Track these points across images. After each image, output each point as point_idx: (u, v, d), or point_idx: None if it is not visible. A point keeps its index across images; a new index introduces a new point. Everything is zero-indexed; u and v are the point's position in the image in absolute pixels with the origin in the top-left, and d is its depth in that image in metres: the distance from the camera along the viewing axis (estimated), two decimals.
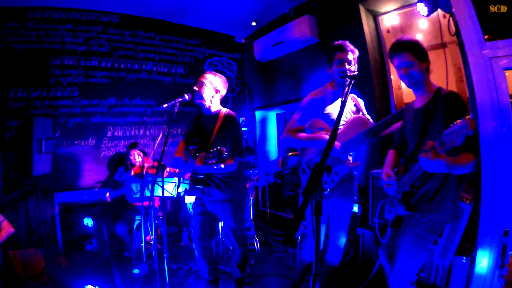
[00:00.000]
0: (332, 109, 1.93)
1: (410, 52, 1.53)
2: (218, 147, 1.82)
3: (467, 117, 1.12)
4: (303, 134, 1.97)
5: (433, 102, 1.51)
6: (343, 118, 1.92)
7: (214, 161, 1.83)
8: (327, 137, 1.84)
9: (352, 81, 1.40)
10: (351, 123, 1.90)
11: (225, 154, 1.82)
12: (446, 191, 1.51)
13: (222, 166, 1.88)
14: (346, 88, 1.91)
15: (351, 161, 1.95)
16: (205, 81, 2.16)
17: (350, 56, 1.88)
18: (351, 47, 1.91)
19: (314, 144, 1.92)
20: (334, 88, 1.97)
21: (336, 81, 1.93)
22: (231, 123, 2.13)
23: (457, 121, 1.14)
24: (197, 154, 2.02)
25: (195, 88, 2.16)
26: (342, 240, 2.06)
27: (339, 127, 1.88)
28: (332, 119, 1.92)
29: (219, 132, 2.12)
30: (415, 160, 1.54)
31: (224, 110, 2.21)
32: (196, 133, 2.24)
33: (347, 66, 1.85)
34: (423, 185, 1.51)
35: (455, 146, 1.15)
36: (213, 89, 2.17)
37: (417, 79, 1.55)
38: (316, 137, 1.90)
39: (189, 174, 2.26)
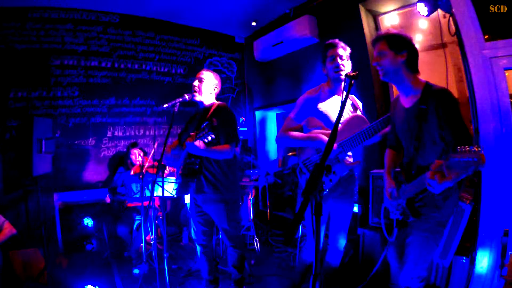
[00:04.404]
0: (327, 107, 1.93)
1: (384, 41, 1.51)
2: (210, 119, 1.84)
3: (476, 148, 1.05)
4: (299, 133, 1.97)
5: (424, 101, 1.46)
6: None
7: (205, 131, 1.83)
8: (323, 136, 1.85)
9: (353, 81, 1.39)
10: (349, 122, 1.89)
11: (215, 123, 1.83)
12: (450, 189, 1.51)
13: (213, 136, 1.85)
14: (342, 86, 1.95)
15: (350, 161, 1.94)
16: (204, 77, 2.23)
17: (341, 52, 1.89)
18: (342, 44, 1.92)
19: (310, 143, 1.91)
20: (330, 86, 1.98)
21: (332, 78, 1.94)
22: (222, 111, 2.14)
23: (466, 148, 1.07)
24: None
25: (195, 83, 2.22)
26: (342, 242, 2.04)
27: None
28: (327, 117, 1.92)
29: (210, 118, 2.12)
30: (417, 166, 1.53)
31: (217, 102, 2.26)
32: (191, 126, 2.29)
33: (339, 61, 1.87)
34: (429, 194, 1.50)
35: (463, 174, 1.10)
36: (211, 85, 2.25)
37: (387, 70, 1.51)
38: (312, 136, 1.89)
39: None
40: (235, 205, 2.25)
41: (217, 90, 2.30)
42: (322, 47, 1.97)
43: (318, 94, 1.96)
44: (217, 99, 2.34)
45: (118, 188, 3.53)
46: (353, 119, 1.90)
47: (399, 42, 1.49)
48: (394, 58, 1.49)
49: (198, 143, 1.91)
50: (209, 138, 1.85)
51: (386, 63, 1.50)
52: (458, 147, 1.09)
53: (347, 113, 1.99)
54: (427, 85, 1.50)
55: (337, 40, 1.92)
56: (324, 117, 1.93)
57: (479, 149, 1.04)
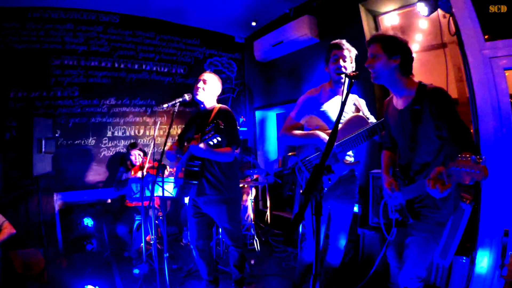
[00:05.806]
0: (327, 106, 1.94)
1: (378, 44, 1.47)
2: (215, 121, 1.82)
3: (478, 160, 1.00)
4: (298, 131, 1.98)
5: (418, 101, 1.44)
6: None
7: (211, 133, 1.82)
8: (321, 134, 1.86)
9: (353, 80, 1.38)
10: (349, 122, 1.89)
11: (222, 126, 1.80)
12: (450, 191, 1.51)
13: (219, 139, 1.84)
14: (342, 86, 1.93)
15: (350, 160, 1.94)
16: (207, 79, 2.24)
17: (346, 53, 1.89)
18: (347, 45, 1.92)
19: (308, 141, 1.93)
20: (331, 86, 1.98)
21: (333, 78, 1.94)
22: (225, 115, 2.15)
23: (467, 157, 1.02)
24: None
25: (199, 85, 2.22)
26: (342, 242, 2.05)
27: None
28: (328, 117, 1.93)
29: (215, 120, 2.12)
30: (414, 166, 1.52)
31: (218, 105, 2.27)
32: (191, 128, 2.29)
33: (341, 63, 1.87)
34: (428, 195, 1.49)
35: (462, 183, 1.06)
36: (214, 88, 2.26)
37: (379, 73, 1.48)
38: (310, 134, 1.91)
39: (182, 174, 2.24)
40: (237, 205, 2.26)
41: (218, 93, 2.31)
42: (327, 46, 1.97)
43: (319, 93, 1.97)
44: (217, 99, 2.35)
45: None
46: (353, 119, 1.90)
47: (393, 46, 1.46)
48: (387, 62, 1.46)
49: (203, 145, 1.90)
50: (215, 140, 1.84)
51: (379, 66, 1.48)
52: (459, 155, 1.05)
53: (349, 113, 1.99)
54: (421, 85, 1.47)
55: (343, 41, 1.92)
56: (324, 116, 1.93)
57: (481, 160, 1.00)
